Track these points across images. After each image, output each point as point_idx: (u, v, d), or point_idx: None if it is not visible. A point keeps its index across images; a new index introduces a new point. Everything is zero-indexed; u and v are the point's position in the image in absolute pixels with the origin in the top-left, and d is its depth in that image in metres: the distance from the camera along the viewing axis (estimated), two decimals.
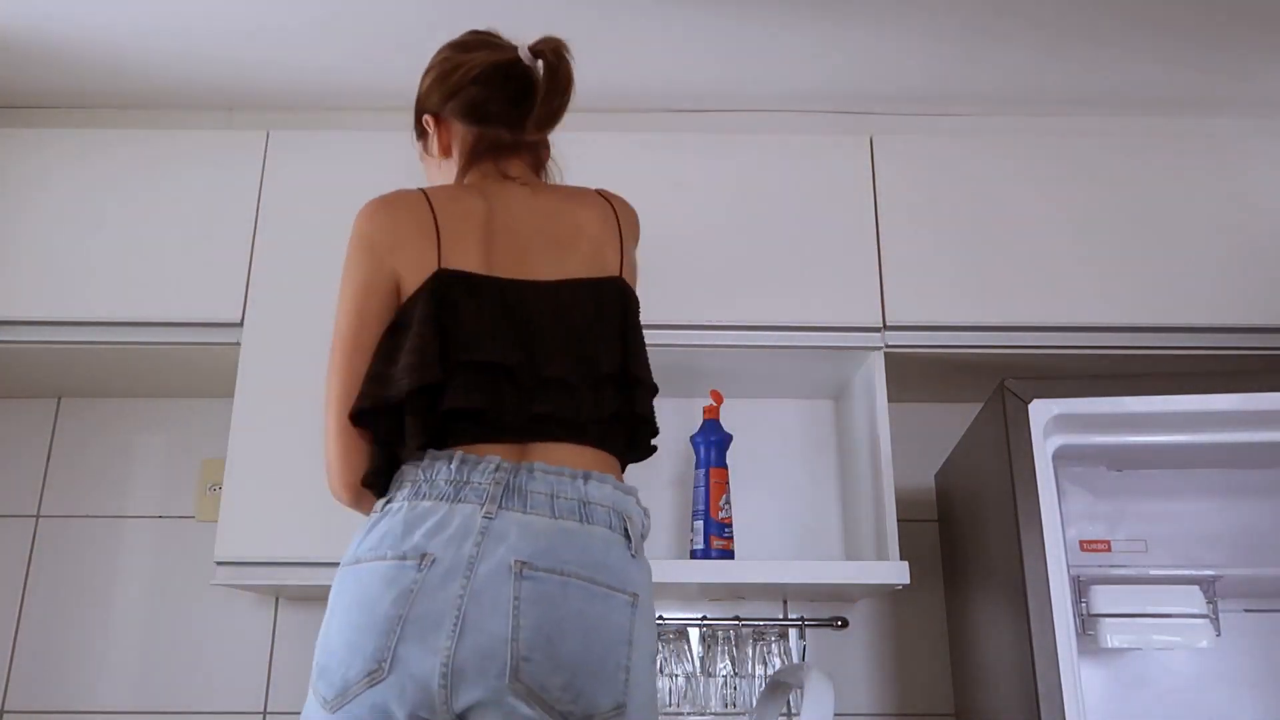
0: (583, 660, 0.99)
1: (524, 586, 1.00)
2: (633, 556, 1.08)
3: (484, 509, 1.05)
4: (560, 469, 1.09)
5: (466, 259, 1.20)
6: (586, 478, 1.10)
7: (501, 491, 1.06)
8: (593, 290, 1.23)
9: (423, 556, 1.03)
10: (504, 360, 1.14)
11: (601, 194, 1.36)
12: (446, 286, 1.17)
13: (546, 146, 1.43)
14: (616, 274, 1.26)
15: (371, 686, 0.99)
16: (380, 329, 1.19)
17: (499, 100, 1.34)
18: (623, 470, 1.23)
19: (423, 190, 1.28)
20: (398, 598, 1.01)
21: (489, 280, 1.19)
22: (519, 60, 1.36)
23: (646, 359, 1.25)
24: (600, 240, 1.28)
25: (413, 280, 1.19)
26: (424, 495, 1.08)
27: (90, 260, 1.85)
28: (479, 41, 1.41)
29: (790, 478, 2.05)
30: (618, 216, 1.32)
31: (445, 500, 1.07)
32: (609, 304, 1.23)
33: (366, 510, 1.19)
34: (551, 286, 1.22)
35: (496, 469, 1.08)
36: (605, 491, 1.09)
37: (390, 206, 1.26)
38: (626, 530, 1.09)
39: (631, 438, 1.24)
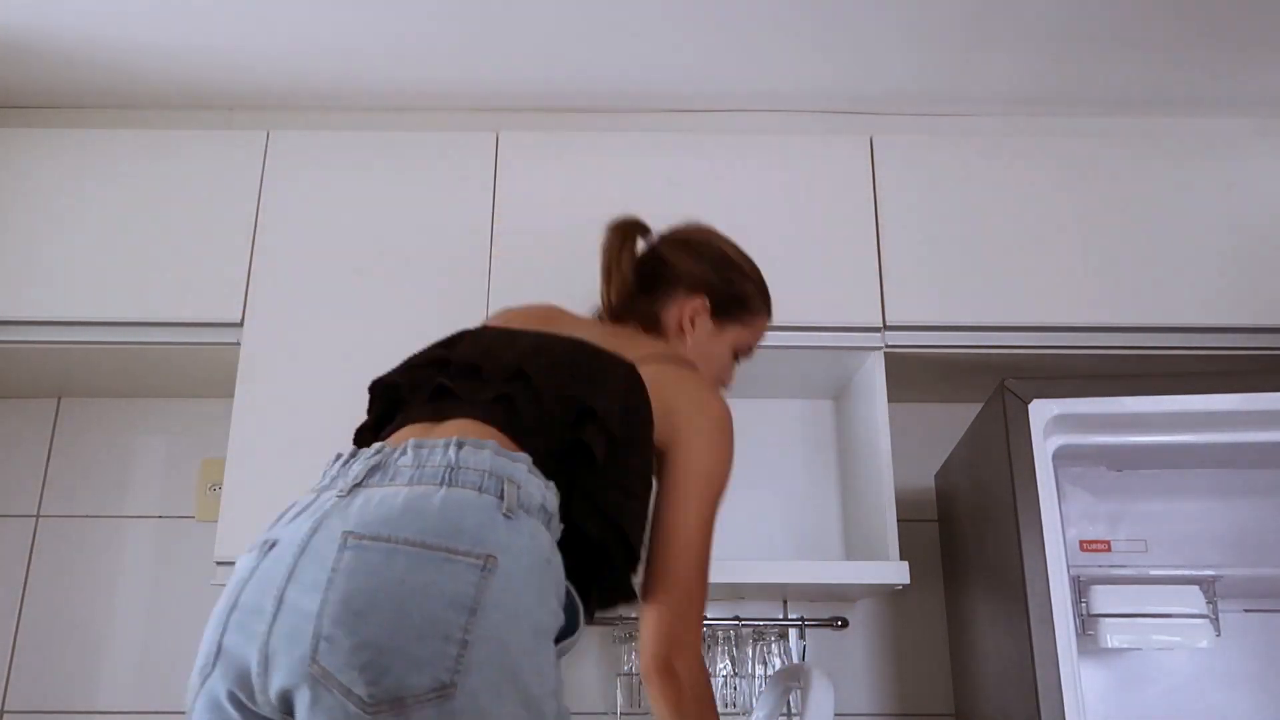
0: (392, 634, 0.86)
1: (344, 557, 0.90)
2: (505, 517, 0.96)
3: (339, 490, 1.00)
4: (435, 441, 1.02)
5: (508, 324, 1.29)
6: (461, 445, 1.00)
7: (366, 471, 1.01)
8: (595, 351, 1.19)
9: (266, 544, 0.99)
10: (431, 356, 1.19)
11: (694, 370, 1.30)
12: (462, 332, 1.26)
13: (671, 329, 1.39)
14: (633, 365, 1.19)
15: (204, 682, 0.94)
16: None
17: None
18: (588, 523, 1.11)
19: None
20: (232, 588, 0.97)
21: (498, 328, 1.26)
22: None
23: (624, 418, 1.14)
24: (630, 346, 1.24)
25: None
26: (311, 489, 1.06)
27: (90, 260, 1.85)
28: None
29: (790, 478, 2.05)
30: (669, 367, 1.24)
31: (315, 490, 1.04)
32: (603, 360, 1.18)
33: None
34: (551, 336, 1.22)
35: (376, 453, 1.03)
36: (481, 456, 0.99)
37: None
38: (502, 491, 0.98)
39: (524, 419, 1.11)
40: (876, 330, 1.81)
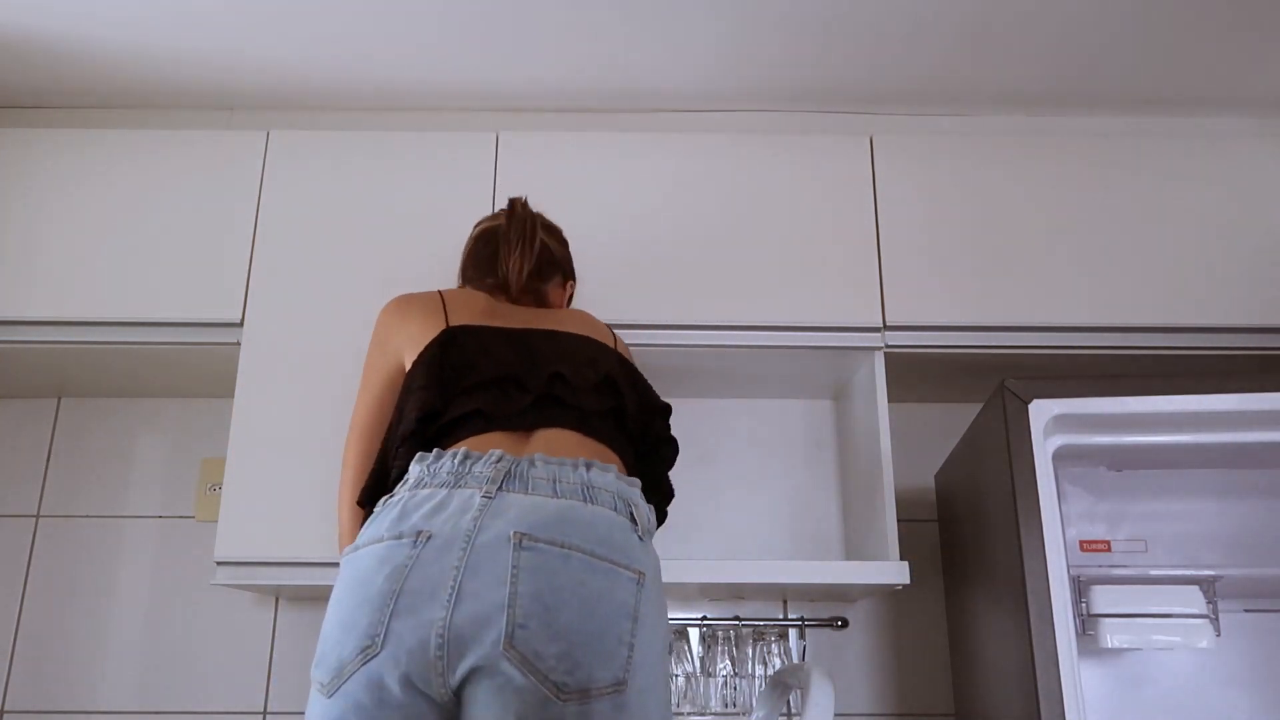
0: (581, 630, 0.96)
1: (523, 556, 0.98)
2: (640, 539, 1.07)
3: (483, 490, 1.06)
4: (562, 459, 1.10)
5: (473, 320, 1.34)
6: (589, 466, 1.10)
7: (503, 476, 1.07)
8: (591, 343, 1.35)
9: (418, 534, 1.03)
10: (503, 371, 1.22)
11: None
12: (451, 334, 1.27)
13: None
14: (612, 346, 1.38)
15: (366, 663, 0.98)
16: (388, 411, 1.31)
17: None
18: (647, 485, 1.29)
19: (438, 290, 1.42)
20: (392, 573, 1.00)
21: (491, 327, 1.32)
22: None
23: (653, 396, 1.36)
24: (595, 328, 1.42)
25: (415, 352, 1.30)
26: (425, 485, 1.09)
27: (90, 260, 1.85)
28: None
29: (790, 478, 2.05)
30: (614, 336, 1.45)
31: (445, 487, 1.08)
32: (606, 352, 1.34)
33: None
34: (551, 333, 1.34)
35: (499, 460, 1.09)
36: (608, 479, 1.10)
37: (401, 300, 1.41)
38: (633, 515, 1.09)
39: (635, 440, 1.29)
40: (876, 330, 1.81)
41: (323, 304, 1.81)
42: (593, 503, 1.06)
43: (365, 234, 1.86)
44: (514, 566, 0.97)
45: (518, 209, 1.49)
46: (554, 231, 1.60)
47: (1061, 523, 1.44)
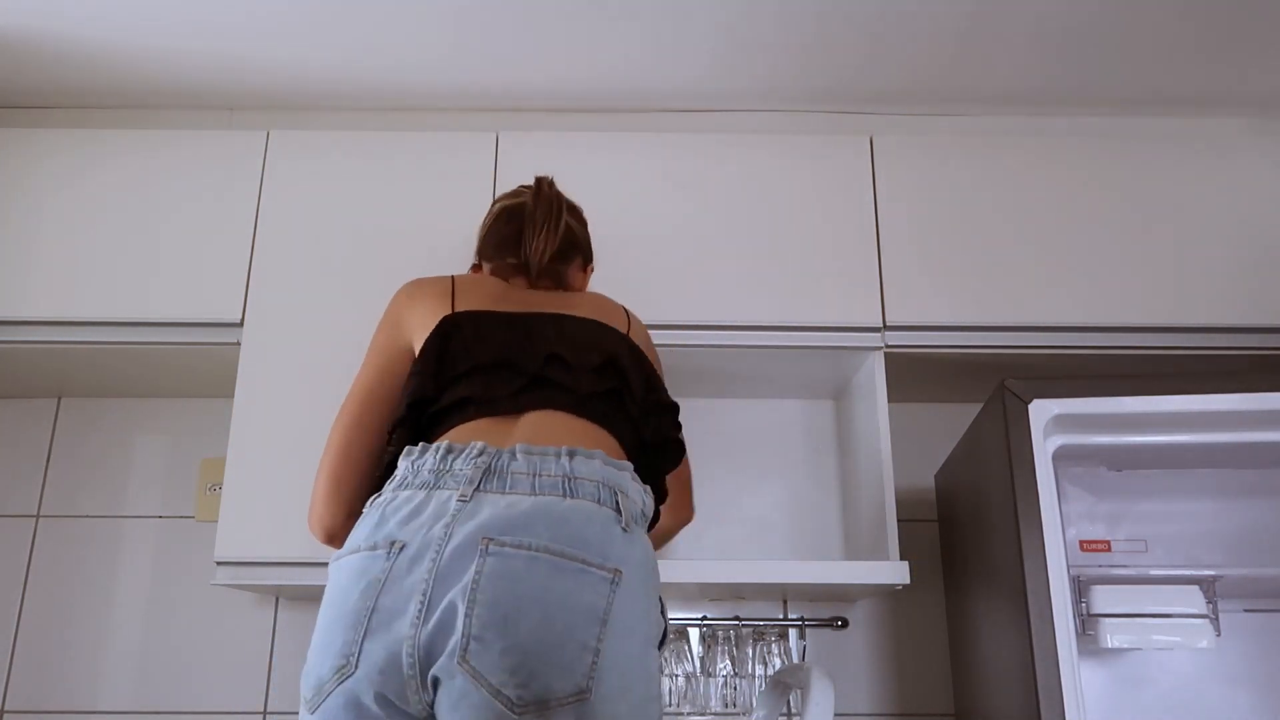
0: (539, 640, 0.92)
1: (488, 562, 0.95)
2: (624, 531, 1.02)
3: (460, 493, 1.03)
4: (545, 449, 1.06)
5: (479, 306, 1.31)
6: (572, 454, 1.06)
7: (481, 475, 1.04)
8: (599, 327, 1.30)
9: (392, 544, 1.02)
10: (498, 355, 1.19)
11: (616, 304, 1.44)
12: (453, 321, 1.25)
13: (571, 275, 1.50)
14: (625, 333, 1.32)
15: (342, 682, 0.97)
16: (391, 392, 1.27)
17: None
18: (655, 477, 1.25)
19: (451, 276, 1.40)
20: (365, 589, 1.00)
21: (493, 312, 1.28)
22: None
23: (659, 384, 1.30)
24: (608, 312, 1.37)
25: (424, 335, 1.28)
26: (407, 485, 1.08)
27: (90, 260, 1.85)
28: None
29: (790, 478, 2.05)
30: (629, 318, 1.39)
31: (425, 488, 1.06)
32: (614, 336, 1.29)
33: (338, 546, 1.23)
34: (557, 316, 1.29)
35: (479, 454, 1.07)
36: (593, 467, 1.05)
37: (413, 284, 1.38)
38: (618, 504, 1.04)
39: (638, 426, 1.23)
40: (876, 330, 1.81)
41: (323, 304, 1.81)
42: (573, 496, 1.02)
43: (365, 234, 1.86)
44: (477, 573, 0.94)
45: (544, 188, 1.45)
46: (576, 213, 1.55)
47: (1061, 523, 1.44)
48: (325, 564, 1.66)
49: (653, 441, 1.25)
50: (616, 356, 1.23)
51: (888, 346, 1.81)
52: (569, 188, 1.89)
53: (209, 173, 1.91)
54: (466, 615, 0.93)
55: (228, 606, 2.01)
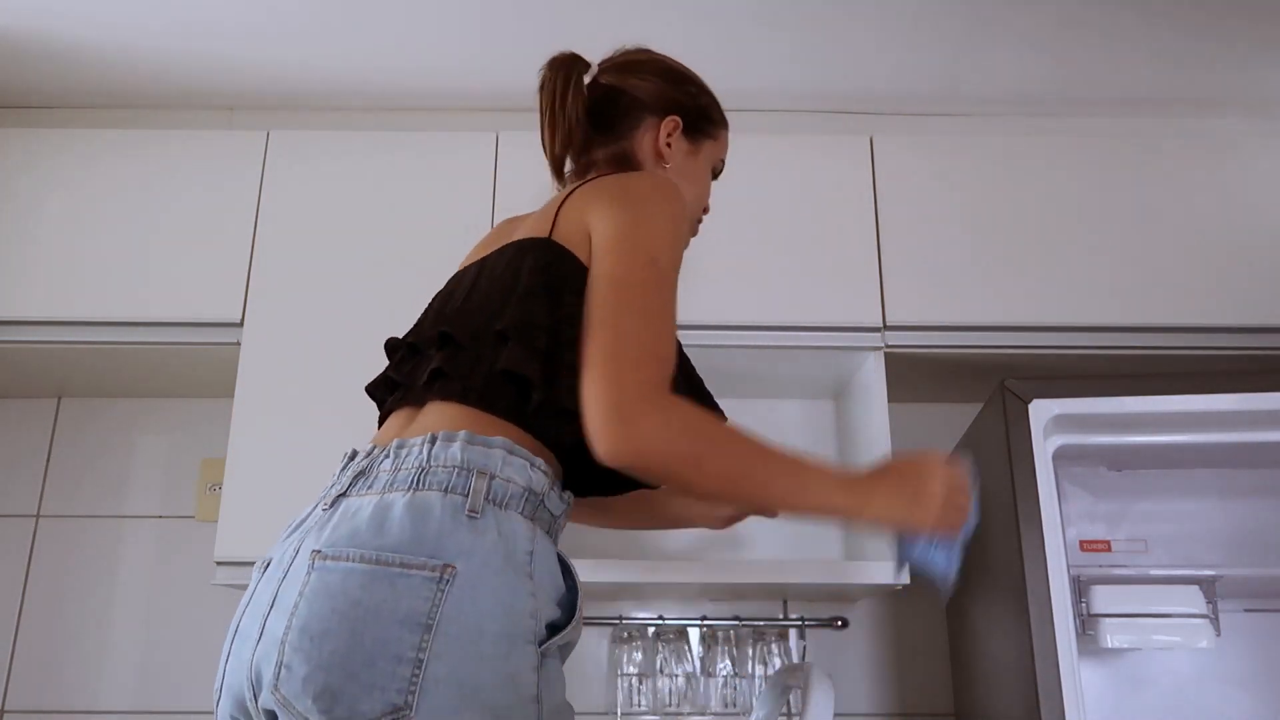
0: (342, 660, 0.83)
1: (310, 580, 0.87)
2: (469, 518, 0.90)
3: (325, 501, 0.97)
4: (414, 439, 0.96)
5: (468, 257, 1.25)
6: (434, 439, 0.95)
7: (350, 480, 0.97)
8: (514, 252, 1.10)
9: (263, 564, 0.97)
10: (408, 339, 1.12)
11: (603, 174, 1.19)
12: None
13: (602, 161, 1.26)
14: (544, 236, 1.08)
15: (217, 707, 0.94)
16: None
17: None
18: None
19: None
20: (238, 611, 0.96)
21: (461, 269, 1.21)
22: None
23: (537, 313, 1.01)
24: (550, 208, 1.14)
25: None
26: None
27: (90, 260, 1.85)
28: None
29: None
30: (582, 188, 1.13)
31: (318, 498, 1.01)
32: (522, 262, 1.07)
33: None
34: (482, 260, 1.15)
35: (355, 458, 1.01)
36: (452, 451, 0.93)
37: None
38: (471, 488, 0.92)
39: (526, 400, 1.00)
40: (876, 330, 1.81)
41: (323, 304, 1.81)
42: (418, 488, 0.91)
43: (365, 234, 1.86)
44: (299, 594, 0.87)
45: (554, 65, 1.21)
46: (645, 68, 1.27)
47: (1062, 522, 1.44)
48: None
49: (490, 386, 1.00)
50: (447, 330, 1.04)
51: (888, 346, 1.81)
52: None
53: (209, 173, 1.91)
54: (282, 641, 0.86)
55: (228, 606, 2.01)
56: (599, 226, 1.05)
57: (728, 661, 1.89)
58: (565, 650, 0.94)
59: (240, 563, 1.68)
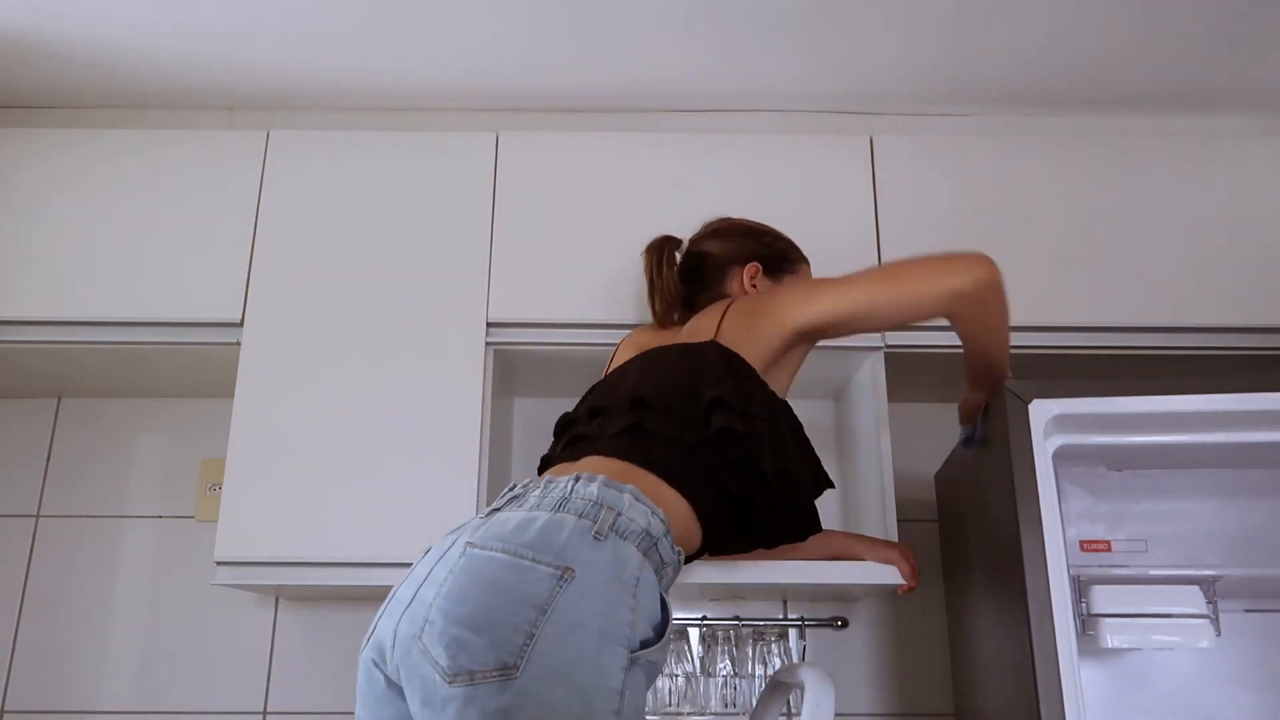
0: (472, 619, 1.04)
1: (460, 562, 1.10)
2: (595, 539, 1.11)
3: (484, 513, 1.20)
4: (560, 478, 1.21)
5: (619, 359, 1.59)
6: (577, 479, 1.19)
7: (505, 501, 1.22)
8: (675, 349, 1.42)
9: (426, 550, 1.19)
10: (578, 410, 1.45)
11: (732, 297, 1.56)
12: (592, 388, 1.51)
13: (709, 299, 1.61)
14: (709, 339, 1.41)
15: (361, 654, 1.17)
16: None
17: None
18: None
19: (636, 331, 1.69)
20: (397, 584, 1.17)
21: (612, 371, 1.51)
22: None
23: (734, 390, 1.33)
24: (706, 320, 1.47)
25: None
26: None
27: (90, 260, 1.85)
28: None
29: None
30: (731, 302, 1.47)
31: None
32: (691, 356, 1.38)
33: None
34: (650, 352, 1.45)
35: (522, 486, 1.24)
36: (590, 489, 1.17)
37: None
38: (599, 517, 1.14)
39: (686, 447, 1.30)
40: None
41: (323, 304, 1.81)
42: (558, 511, 1.14)
43: (365, 234, 1.86)
44: (449, 571, 1.09)
45: (651, 249, 1.64)
46: (724, 233, 1.66)
47: (1061, 522, 1.43)
48: (325, 564, 1.67)
49: (701, 449, 1.30)
50: (642, 391, 1.35)
51: (888, 346, 1.81)
52: (569, 188, 1.89)
53: (209, 173, 1.91)
54: (430, 604, 1.07)
55: (228, 606, 2.01)
56: (781, 296, 1.45)
57: (728, 661, 1.89)
58: (651, 671, 1.12)
59: (240, 563, 1.68)
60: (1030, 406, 1.46)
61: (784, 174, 1.90)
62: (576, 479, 1.19)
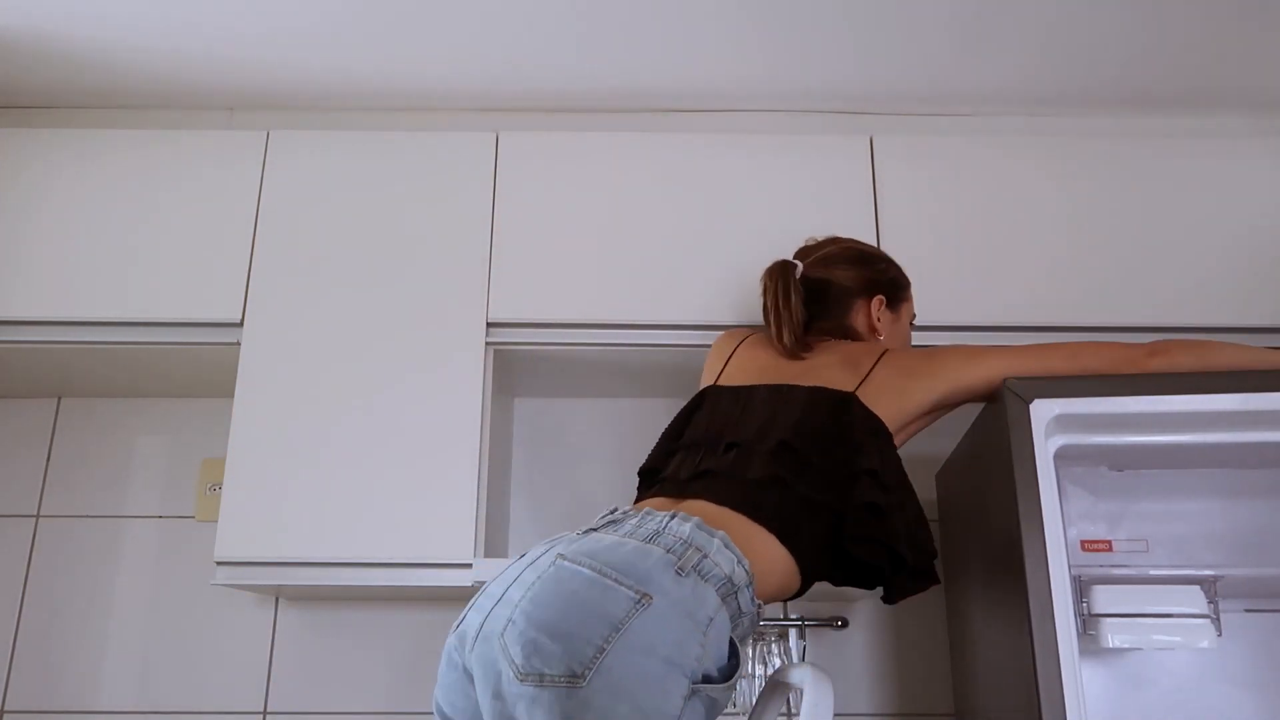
0: (552, 626, 1.08)
1: (549, 571, 1.14)
2: (677, 573, 1.15)
3: (579, 531, 1.25)
4: (658, 512, 1.24)
5: (732, 379, 1.52)
6: (674, 516, 1.23)
7: (602, 523, 1.26)
8: (816, 393, 1.40)
9: (521, 554, 1.24)
10: (697, 435, 1.43)
11: (879, 345, 1.55)
12: (700, 396, 1.50)
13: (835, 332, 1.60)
14: (850, 391, 1.40)
15: (448, 639, 1.21)
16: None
17: None
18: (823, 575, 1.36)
19: (750, 329, 1.65)
20: (489, 581, 1.23)
21: (728, 387, 1.49)
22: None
23: (878, 460, 1.35)
24: (846, 366, 1.45)
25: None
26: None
27: (90, 260, 1.85)
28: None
29: None
30: (885, 352, 1.47)
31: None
32: (839, 409, 1.38)
33: None
34: (780, 387, 1.43)
35: (621, 513, 1.28)
36: (684, 529, 1.21)
37: (722, 336, 1.67)
38: (685, 556, 1.18)
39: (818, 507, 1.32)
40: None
41: (323, 304, 1.81)
42: (648, 541, 1.18)
43: (365, 234, 1.86)
44: (537, 578, 1.14)
45: (772, 274, 1.58)
46: (842, 258, 1.62)
47: (1062, 522, 1.43)
48: (325, 564, 1.67)
49: (855, 531, 1.33)
50: (788, 436, 1.34)
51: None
52: (569, 188, 1.89)
53: (209, 173, 1.91)
54: (516, 605, 1.12)
55: (228, 606, 2.01)
56: (944, 359, 1.49)
57: None
58: (711, 707, 1.13)
59: (240, 563, 1.68)
60: (1031, 406, 1.46)
61: (784, 174, 1.90)
62: (673, 516, 1.23)
